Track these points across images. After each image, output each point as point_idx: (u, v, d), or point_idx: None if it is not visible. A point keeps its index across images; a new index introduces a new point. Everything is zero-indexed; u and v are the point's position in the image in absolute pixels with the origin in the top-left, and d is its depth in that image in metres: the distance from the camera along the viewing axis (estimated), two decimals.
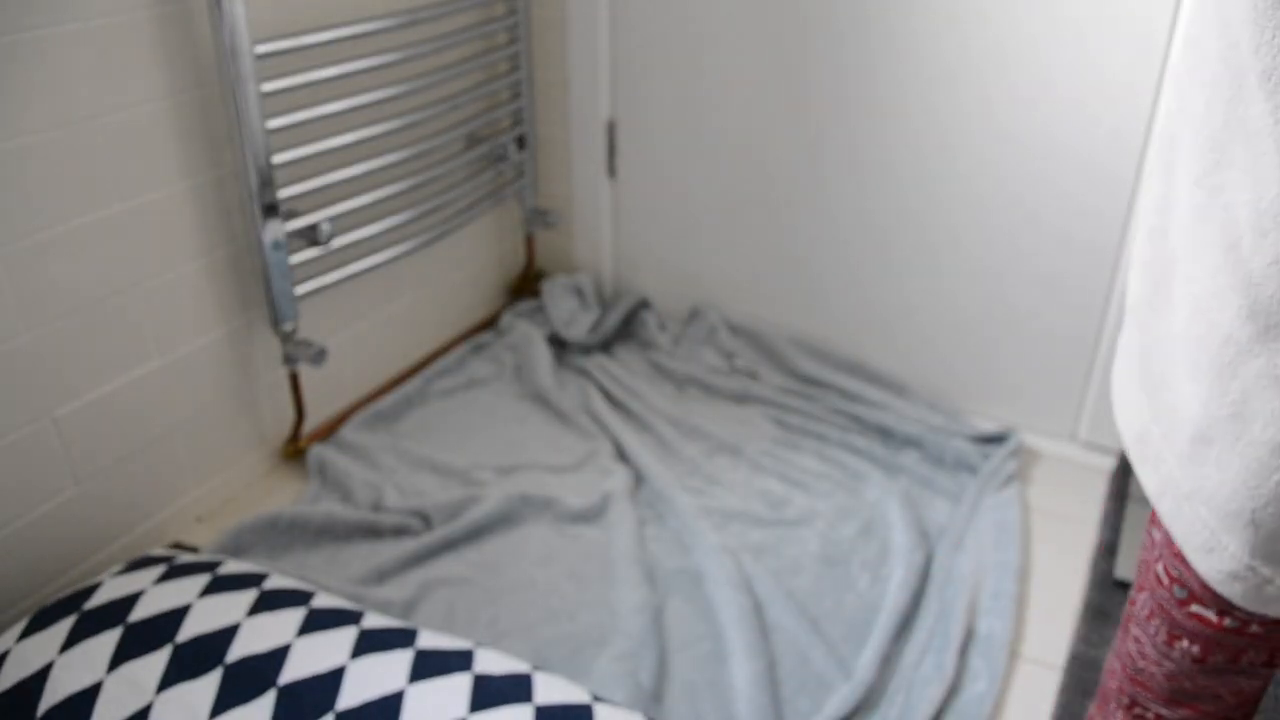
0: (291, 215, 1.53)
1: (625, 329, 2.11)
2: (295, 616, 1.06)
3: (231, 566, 1.19)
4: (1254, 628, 0.72)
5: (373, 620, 1.10)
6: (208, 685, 0.97)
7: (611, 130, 2.05)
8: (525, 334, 2.03)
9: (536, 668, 1.07)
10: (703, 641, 1.35)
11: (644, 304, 2.13)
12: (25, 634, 1.07)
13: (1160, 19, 1.48)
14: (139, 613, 1.07)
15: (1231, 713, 0.80)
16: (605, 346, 2.07)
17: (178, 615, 1.05)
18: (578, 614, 1.39)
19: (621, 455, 1.75)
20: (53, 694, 0.98)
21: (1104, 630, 1.39)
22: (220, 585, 1.12)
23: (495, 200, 2.00)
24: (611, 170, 2.09)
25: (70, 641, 1.04)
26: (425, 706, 0.94)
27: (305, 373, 1.70)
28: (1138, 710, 0.85)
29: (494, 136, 1.96)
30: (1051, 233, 1.68)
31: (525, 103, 1.99)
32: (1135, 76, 1.53)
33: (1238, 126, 0.56)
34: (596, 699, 1.03)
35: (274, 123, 1.44)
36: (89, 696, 0.97)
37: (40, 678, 1.00)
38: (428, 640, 1.07)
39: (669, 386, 1.96)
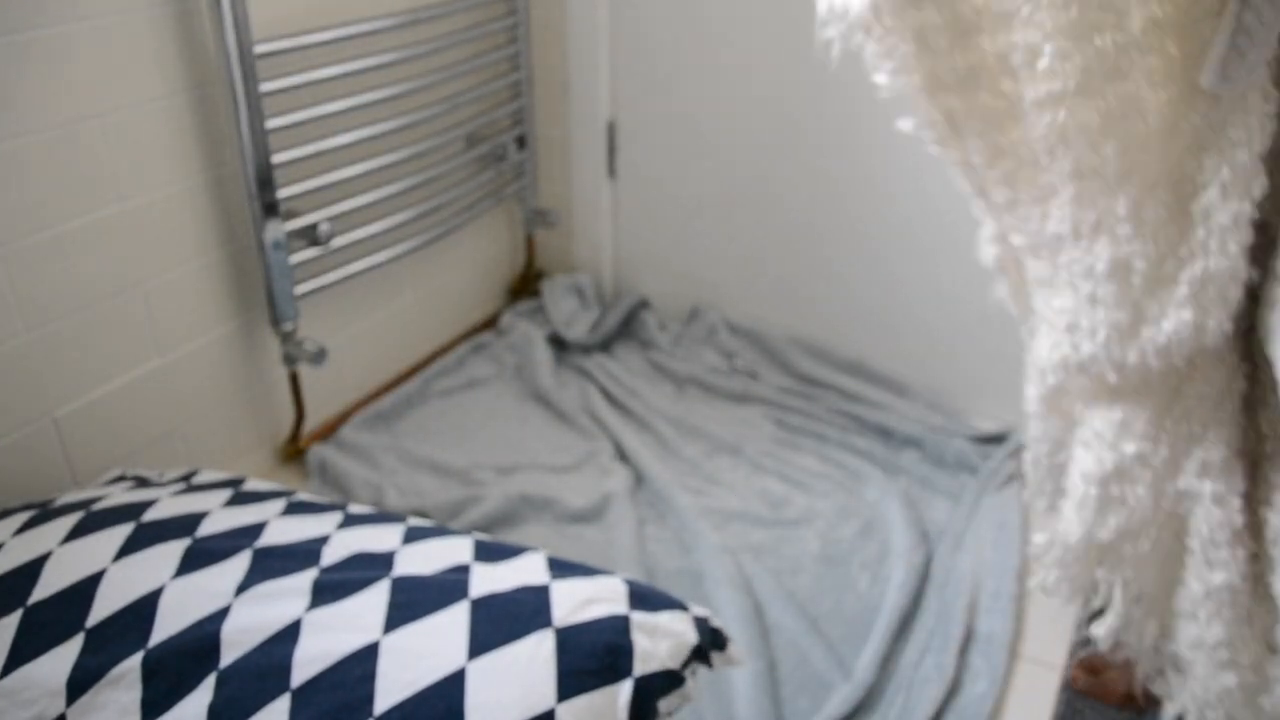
0: (291, 215, 1.53)
1: (625, 329, 2.11)
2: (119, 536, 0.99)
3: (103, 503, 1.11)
4: None
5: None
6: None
7: (611, 130, 2.05)
8: (525, 334, 2.03)
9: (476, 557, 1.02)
10: None
11: (644, 304, 2.13)
12: None
13: None
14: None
15: None
16: (605, 346, 2.07)
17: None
18: None
19: (621, 455, 1.75)
20: None
21: None
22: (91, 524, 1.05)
23: (495, 200, 2.00)
24: (611, 170, 2.09)
25: None
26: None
27: (305, 373, 1.70)
28: None
29: (494, 136, 1.96)
30: None
31: (525, 103, 1.99)
32: None
33: None
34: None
35: (274, 123, 1.44)
36: None
37: None
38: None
39: (669, 386, 1.96)
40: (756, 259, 2.01)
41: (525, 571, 0.94)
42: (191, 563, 0.93)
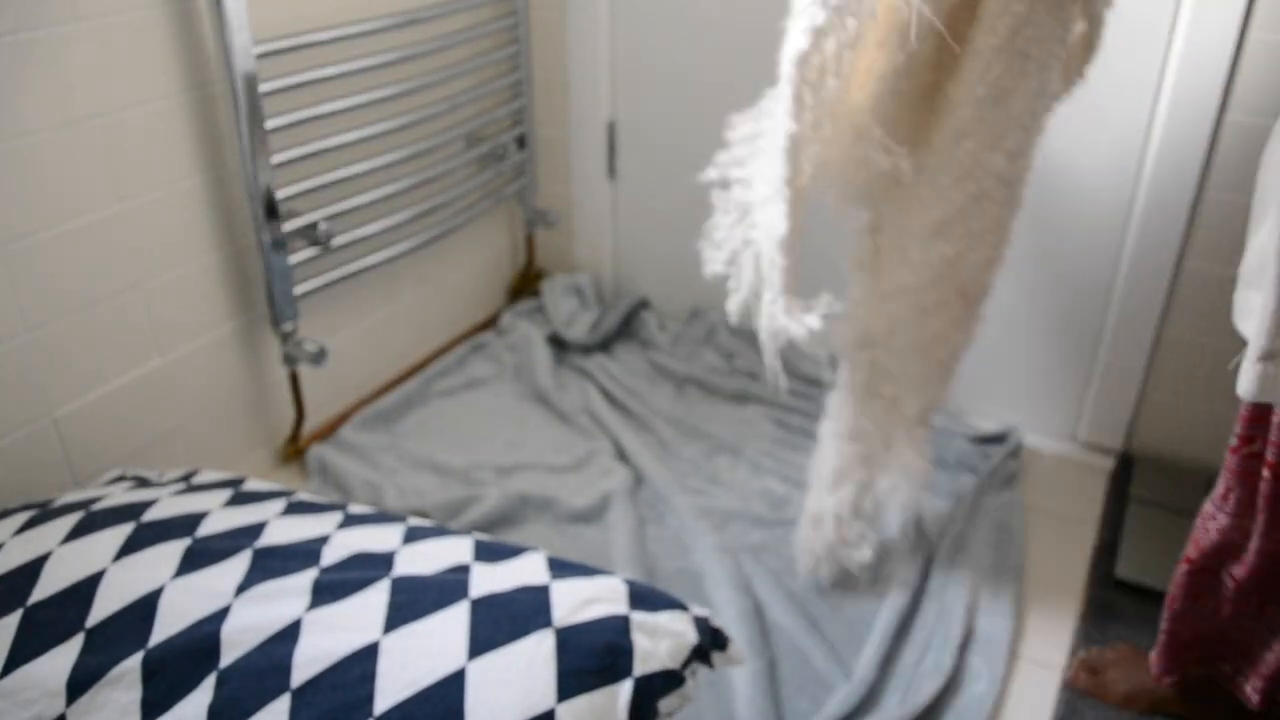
0: (291, 215, 1.53)
1: (625, 329, 2.11)
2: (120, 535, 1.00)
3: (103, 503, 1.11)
4: None
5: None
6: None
7: (611, 130, 2.05)
8: (525, 334, 2.03)
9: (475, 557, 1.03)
10: None
11: (644, 304, 2.13)
12: None
13: (1160, 26, 1.48)
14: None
15: None
16: (605, 346, 2.07)
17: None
18: None
19: (621, 455, 1.75)
20: None
21: (1104, 629, 1.39)
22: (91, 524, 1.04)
23: (495, 200, 2.00)
24: (611, 170, 2.09)
25: None
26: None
27: (305, 373, 1.70)
28: None
29: (494, 136, 1.96)
30: (1052, 233, 1.68)
31: (525, 103, 1.99)
32: (1137, 80, 1.53)
33: None
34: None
35: (274, 122, 1.44)
36: None
37: None
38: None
39: (669, 386, 1.96)
40: None
41: (525, 571, 0.93)
42: (191, 563, 0.93)
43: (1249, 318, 0.95)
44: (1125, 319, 1.67)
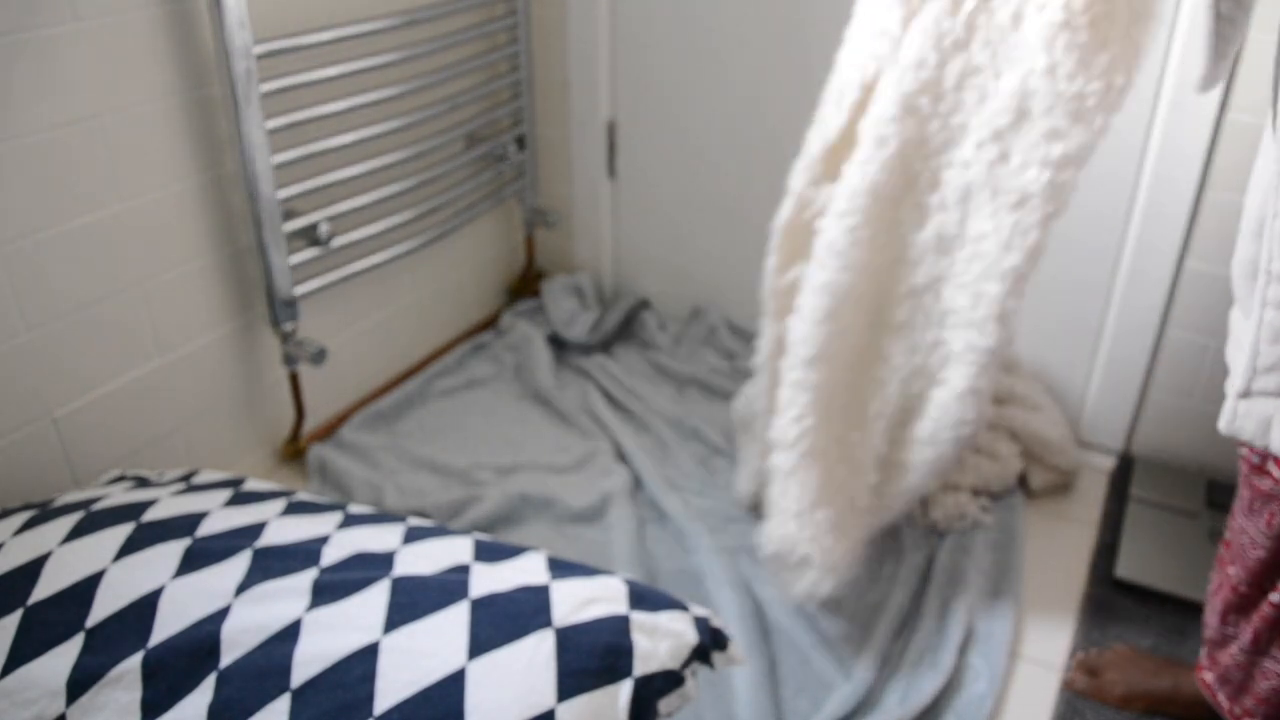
0: (291, 215, 1.53)
1: (625, 329, 2.11)
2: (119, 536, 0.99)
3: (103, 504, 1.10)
4: None
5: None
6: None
7: (611, 130, 2.05)
8: (525, 334, 2.03)
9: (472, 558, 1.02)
10: None
11: (644, 304, 2.13)
12: None
13: (1161, 28, 1.48)
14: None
15: None
16: (605, 346, 2.07)
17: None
18: None
19: (621, 455, 1.75)
20: None
21: (1104, 629, 1.39)
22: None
23: (495, 200, 2.00)
24: (611, 170, 2.09)
25: None
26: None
27: (305, 373, 1.70)
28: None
29: (494, 136, 1.96)
30: (1053, 234, 1.68)
31: (525, 103, 1.99)
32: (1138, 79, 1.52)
33: None
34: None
35: (274, 123, 1.44)
36: None
37: None
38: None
39: (669, 387, 1.96)
40: (756, 259, 2.01)
41: (525, 571, 0.93)
42: (191, 563, 0.93)
43: (1239, 351, 0.98)
44: (1125, 319, 1.67)
